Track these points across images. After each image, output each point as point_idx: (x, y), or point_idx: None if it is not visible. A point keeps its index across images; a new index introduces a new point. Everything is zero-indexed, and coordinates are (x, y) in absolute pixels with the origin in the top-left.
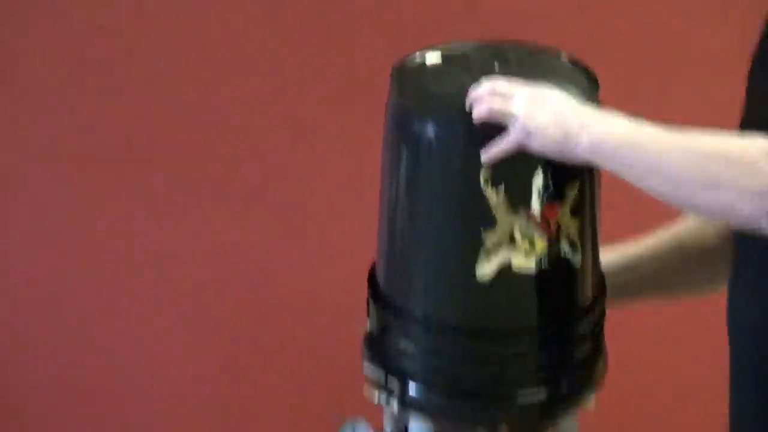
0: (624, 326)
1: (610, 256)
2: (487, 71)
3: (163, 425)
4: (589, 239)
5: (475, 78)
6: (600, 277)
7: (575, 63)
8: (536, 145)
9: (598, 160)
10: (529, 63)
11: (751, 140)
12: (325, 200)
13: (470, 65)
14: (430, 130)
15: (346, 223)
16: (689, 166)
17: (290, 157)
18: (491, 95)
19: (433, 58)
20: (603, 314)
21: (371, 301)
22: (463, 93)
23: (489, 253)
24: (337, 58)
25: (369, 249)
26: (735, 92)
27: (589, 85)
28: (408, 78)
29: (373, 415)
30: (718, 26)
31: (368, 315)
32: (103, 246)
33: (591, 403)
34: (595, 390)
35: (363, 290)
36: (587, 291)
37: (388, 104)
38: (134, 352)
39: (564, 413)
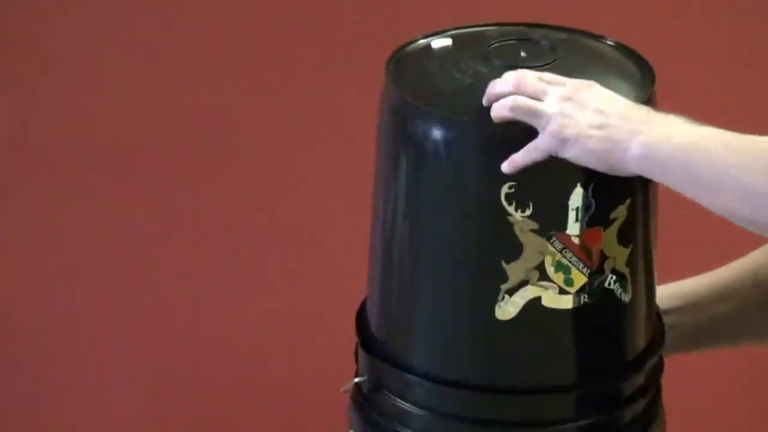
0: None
1: (668, 293)
2: (511, 60)
3: None
4: (642, 272)
5: (495, 69)
6: (656, 321)
7: (624, 50)
8: (573, 155)
9: (653, 173)
10: (564, 50)
11: None
12: (306, 223)
13: (489, 53)
14: (437, 134)
15: (330, 250)
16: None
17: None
18: (517, 90)
19: (441, 43)
20: (660, 368)
21: (361, 350)
22: (480, 86)
23: (513, 291)
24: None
25: (358, 283)
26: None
27: (642, 78)
28: (410, 68)
29: None
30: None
31: (357, 366)
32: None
33: None
34: None
35: (350, 334)
36: (639, 338)
37: (382, 103)
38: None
39: None
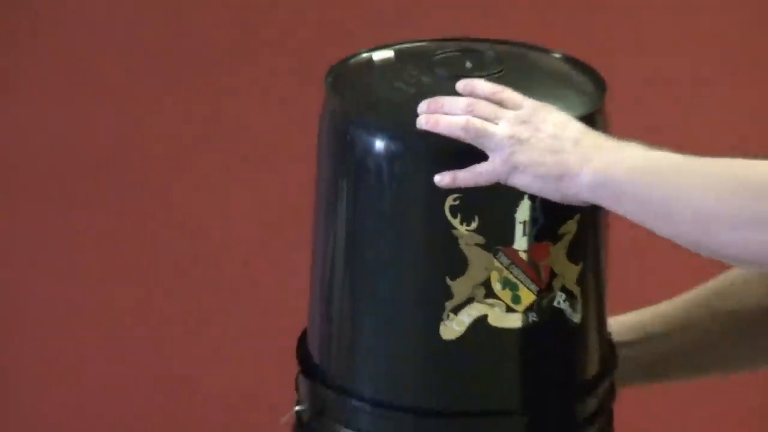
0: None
1: (621, 324)
2: (457, 71)
3: None
4: (593, 291)
5: (440, 79)
6: (608, 344)
7: (573, 62)
8: (523, 182)
9: (605, 200)
10: (511, 61)
11: None
12: (243, 248)
13: (433, 64)
14: (378, 145)
15: (268, 277)
16: (728, 201)
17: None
18: (469, 112)
19: (383, 55)
20: (612, 393)
21: (301, 377)
22: (424, 97)
23: (458, 309)
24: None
25: (297, 309)
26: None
27: (593, 89)
28: (350, 80)
29: None
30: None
31: (298, 396)
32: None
33: None
34: None
35: (291, 361)
36: (590, 360)
37: (322, 116)
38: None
39: None
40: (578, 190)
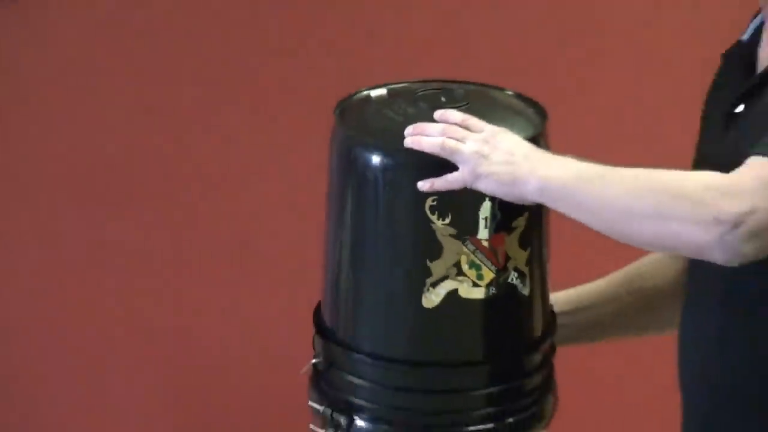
0: (579, 367)
1: (564, 298)
2: (434, 104)
3: None
4: (538, 271)
5: (422, 110)
6: (550, 313)
7: (524, 98)
8: (485, 187)
9: (548, 201)
10: (476, 97)
11: (696, 174)
12: (271, 239)
13: (416, 99)
14: (376, 158)
15: (291, 260)
16: (637, 200)
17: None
18: (444, 134)
19: (378, 93)
20: (553, 350)
21: (316, 337)
22: (411, 121)
23: (436, 284)
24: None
25: (314, 288)
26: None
27: (537, 117)
28: (353, 111)
29: None
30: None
31: (314, 352)
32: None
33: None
34: (545, 427)
35: (309, 329)
36: (537, 324)
37: (332, 139)
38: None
39: None
40: (527, 193)
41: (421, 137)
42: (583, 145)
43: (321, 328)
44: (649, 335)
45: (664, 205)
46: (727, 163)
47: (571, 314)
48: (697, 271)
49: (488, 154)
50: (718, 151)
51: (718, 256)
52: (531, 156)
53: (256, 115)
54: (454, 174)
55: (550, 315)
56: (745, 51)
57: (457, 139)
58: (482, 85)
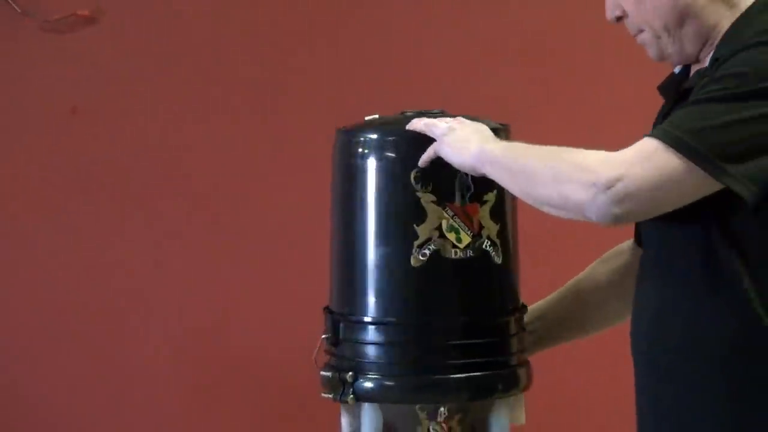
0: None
1: (528, 311)
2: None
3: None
4: (510, 244)
5: (409, 117)
6: (521, 306)
7: (489, 120)
8: (443, 153)
9: (485, 168)
10: (451, 118)
11: (594, 151)
12: (291, 247)
13: (403, 119)
14: (372, 140)
15: (306, 273)
16: (542, 167)
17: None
18: (426, 122)
19: (372, 116)
20: (523, 328)
21: (326, 316)
22: (399, 124)
23: (422, 246)
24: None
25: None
26: None
27: (503, 131)
28: (352, 126)
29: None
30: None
31: (325, 329)
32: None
33: (519, 400)
34: (519, 388)
35: (315, 322)
36: (508, 294)
37: (334, 145)
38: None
39: (497, 397)
40: (469, 157)
41: (415, 121)
42: None
43: (329, 310)
44: (603, 329)
45: (561, 171)
46: None
47: (530, 324)
48: (645, 252)
49: (453, 130)
50: None
51: (592, 215)
52: (481, 133)
53: (277, 135)
54: (432, 145)
55: (522, 306)
56: (676, 81)
57: (435, 125)
58: (456, 115)
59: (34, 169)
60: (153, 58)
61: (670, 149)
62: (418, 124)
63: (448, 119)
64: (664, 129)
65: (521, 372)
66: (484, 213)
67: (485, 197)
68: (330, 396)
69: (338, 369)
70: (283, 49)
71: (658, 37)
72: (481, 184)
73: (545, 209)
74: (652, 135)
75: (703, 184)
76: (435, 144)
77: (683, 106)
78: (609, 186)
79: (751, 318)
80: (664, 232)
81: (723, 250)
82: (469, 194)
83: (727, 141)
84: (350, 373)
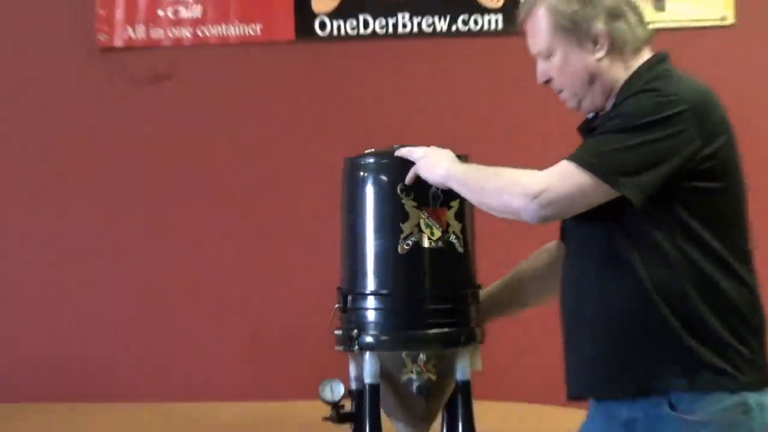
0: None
1: (480, 294)
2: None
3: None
4: (469, 239)
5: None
6: (478, 288)
7: (452, 151)
8: (423, 172)
9: (451, 184)
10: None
11: (525, 170)
12: (316, 248)
13: (392, 150)
14: (376, 168)
15: (323, 262)
16: (488, 183)
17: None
18: (408, 150)
19: (370, 150)
20: (477, 301)
21: (338, 292)
22: (389, 152)
23: (406, 238)
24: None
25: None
26: None
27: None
28: (356, 156)
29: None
30: None
31: (337, 302)
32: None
33: (477, 350)
34: (477, 341)
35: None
36: (469, 273)
37: (343, 170)
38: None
39: (458, 354)
40: (438, 176)
41: (399, 151)
42: None
43: (340, 288)
44: (539, 305)
45: (502, 186)
46: None
47: (483, 302)
48: (567, 246)
49: (428, 155)
50: None
51: (526, 217)
52: (448, 158)
53: (308, 165)
54: (413, 168)
55: (477, 288)
56: (588, 123)
57: (413, 152)
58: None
59: (141, 187)
60: (211, 102)
61: (581, 168)
62: (402, 151)
63: (424, 147)
64: (576, 154)
65: (477, 330)
66: (450, 215)
67: (451, 204)
68: (341, 348)
69: (347, 329)
70: (314, 114)
71: (575, 94)
72: (448, 195)
73: (493, 213)
74: (568, 159)
75: (604, 193)
76: (415, 166)
77: (590, 137)
78: (536, 196)
79: (642, 294)
80: (580, 230)
81: (621, 242)
82: (439, 201)
83: (620, 161)
84: (355, 330)
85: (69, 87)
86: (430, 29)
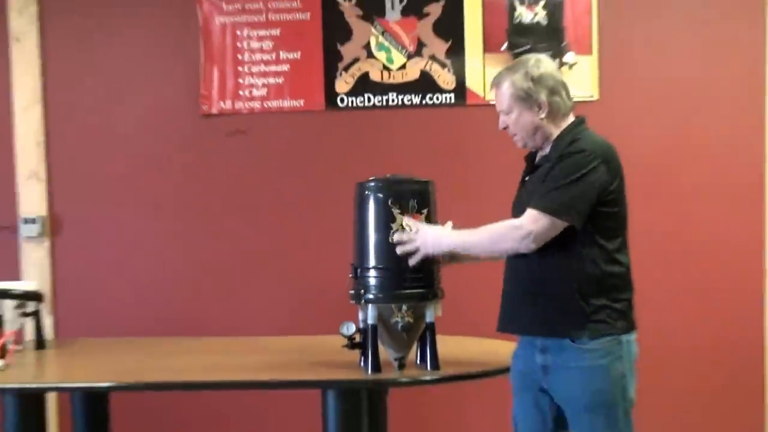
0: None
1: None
2: (407, 182)
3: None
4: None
5: (395, 180)
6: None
7: (418, 177)
8: (432, 251)
9: (458, 250)
10: (409, 229)
11: (506, 221)
12: (335, 240)
13: (388, 177)
14: (376, 189)
15: (342, 249)
16: (483, 239)
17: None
18: (407, 238)
19: (372, 177)
20: (439, 271)
21: (352, 267)
22: (386, 178)
23: (393, 233)
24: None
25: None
26: None
27: (431, 183)
28: (363, 181)
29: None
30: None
31: (351, 273)
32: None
33: (439, 303)
34: (438, 298)
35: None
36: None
37: (356, 191)
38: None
39: (426, 306)
40: (447, 248)
41: (397, 248)
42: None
43: (353, 264)
44: (487, 260)
45: (497, 239)
46: (521, 203)
47: (452, 259)
48: (515, 214)
49: (425, 241)
50: (520, 199)
51: (523, 251)
52: (440, 234)
53: (332, 190)
54: (417, 254)
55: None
56: (532, 156)
57: (407, 243)
58: (420, 179)
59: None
60: (271, 149)
61: (542, 213)
62: (400, 248)
63: (411, 235)
64: (537, 203)
65: (439, 290)
66: (422, 218)
67: (422, 211)
68: (353, 302)
69: (357, 289)
70: (336, 156)
71: (523, 138)
72: (421, 205)
73: (494, 255)
74: (533, 207)
75: (562, 224)
76: (419, 253)
77: (542, 186)
78: (526, 237)
79: (560, 273)
80: None
81: (553, 240)
82: (415, 210)
83: (568, 203)
84: (362, 290)
85: (183, 139)
86: (409, 103)
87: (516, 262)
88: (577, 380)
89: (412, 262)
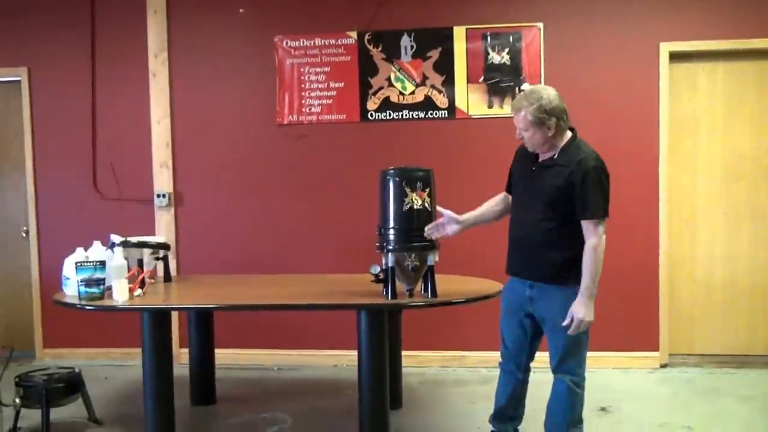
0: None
1: (470, 214)
2: (415, 170)
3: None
4: (434, 205)
5: (407, 169)
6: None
7: (421, 167)
8: (588, 318)
9: (593, 289)
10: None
11: (589, 245)
12: (366, 210)
13: (404, 167)
14: (394, 175)
15: (371, 215)
16: (596, 267)
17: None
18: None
19: (392, 167)
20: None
21: (378, 227)
22: (404, 167)
23: (406, 204)
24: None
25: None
26: None
27: (431, 171)
28: (386, 169)
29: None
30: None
31: (377, 230)
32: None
33: (437, 252)
34: (436, 249)
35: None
36: (432, 220)
37: (380, 179)
38: None
39: (427, 254)
40: (591, 298)
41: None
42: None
43: (378, 226)
44: (492, 222)
45: (598, 260)
46: (533, 186)
47: (462, 222)
48: (520, 195)
49: (587, 310)
50: (528, 182)
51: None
52: (584, 302)
53: (365, 177)
54: (577, 324)
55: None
56: (533, 155)
57: (581, 324)
58: (423, 168)
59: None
60: (324, 148)
61: (594, 221)
62: (575, 331)
63: (576, 320)
64: (589, 213)
65: (437, 243)
66: (426, 194)
67: (425, 189)
68: (378, 251)
69: (381, 242)
70: (368, 153)
71: (534, 146)
72: (425, 184)
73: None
74: (587, 218)
75: (604, 220)
76: (586, 321)
77: (580, 193)
78: (600, 242)
79: (551, 239)
80: (534, 201)
81: (552, 217)
82: (421, 187)
83: (603, 206)
84: (384, 243)
85: (265, 141)
86: (417, 117)
87: (524, 219)
88: (556, 306)
89: (571, 330)
